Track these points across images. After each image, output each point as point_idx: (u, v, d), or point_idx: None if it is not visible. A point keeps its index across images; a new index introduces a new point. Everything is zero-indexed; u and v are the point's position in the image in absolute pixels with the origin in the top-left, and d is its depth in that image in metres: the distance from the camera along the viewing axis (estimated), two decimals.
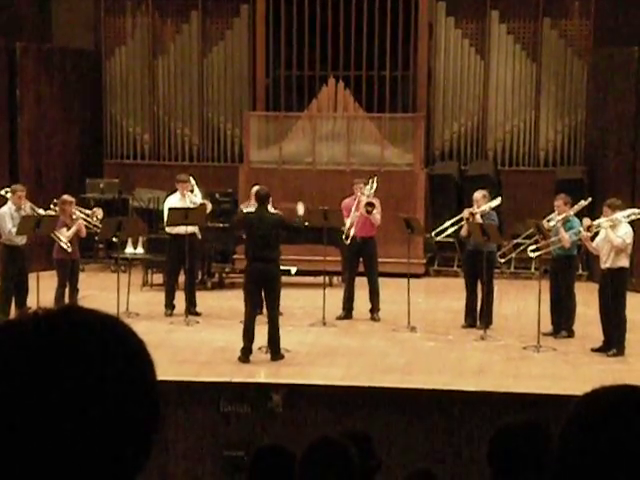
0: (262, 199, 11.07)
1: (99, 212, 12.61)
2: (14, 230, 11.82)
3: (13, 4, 16.35)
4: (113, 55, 17.11)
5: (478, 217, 11.99)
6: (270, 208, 12.21)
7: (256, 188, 12.55)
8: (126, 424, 1.23)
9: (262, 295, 10.78)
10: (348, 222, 12.52)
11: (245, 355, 10.50)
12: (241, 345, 10.53)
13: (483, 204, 12.15)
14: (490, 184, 14.57)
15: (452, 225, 12.49)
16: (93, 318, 1.27)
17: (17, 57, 15.77)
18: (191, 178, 13.05)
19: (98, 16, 17.11)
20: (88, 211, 12.62)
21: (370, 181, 12.79)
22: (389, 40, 16.13)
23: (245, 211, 12.11)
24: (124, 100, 17.17)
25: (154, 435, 1.28)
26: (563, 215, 11.53)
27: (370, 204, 12.50)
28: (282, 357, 10.64)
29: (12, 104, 15.79)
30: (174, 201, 12.80)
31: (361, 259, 12.71)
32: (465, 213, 12.14)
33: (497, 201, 12.41)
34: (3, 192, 12.35)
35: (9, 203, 12.11)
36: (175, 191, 12.98)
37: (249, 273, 10.84)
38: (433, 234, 13.02)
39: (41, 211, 12.19)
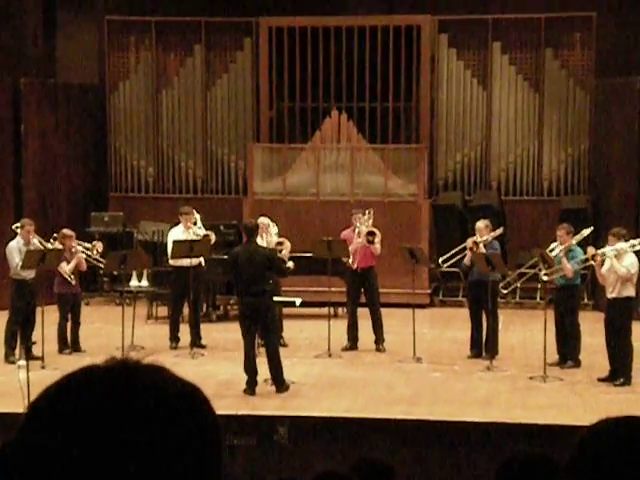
0: (250, 232, 10.77)
1: (99, 245, 12.56)
2: (21, 264, 11.82)
3: (17, 40, 16.45)
4: (117, 89, 17.19)
5: (482, 247, 11.99)
6: (274, 236, 12.24)
7: (262, 219, 12.53)
8: None
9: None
10: (351, 250, 12.52)
11: (250, 387, 10.47)
12: (246, 378, 10.50)
13: (486, 234, 12.15)
14: (494, 214, 14.58)
15: (457, 253, 12.48)
16: (171, 382, 1.24)
17: (21, 92, 15.85)
18: (194, 210, 13.07)
19: (102, 51, 17.22)
20: (88, 244, 12.59)
21: (367, 213, 12.75)
22: (392, 72, 16.22)
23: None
24: (128, 134, 17.23)
25: None
26: (565, 245, 11.51)
27: (371, 233, 12.51)
28: (287, 388, 10.59)
29: (17, 139, 15.86)
30: (178, 233, 12.80)
31: (362, 290, 12.69)
32: (469, 242, 12.14)
33: (499, 231, 12.41)
34: (14, 227, 12.36)
35: (18, 237, 12.09)
36: (178, 224, 13.00)
37: (241, 308, 10.75)
38: (440, 261, 12.97)
39: (49, 245, 12.17)
